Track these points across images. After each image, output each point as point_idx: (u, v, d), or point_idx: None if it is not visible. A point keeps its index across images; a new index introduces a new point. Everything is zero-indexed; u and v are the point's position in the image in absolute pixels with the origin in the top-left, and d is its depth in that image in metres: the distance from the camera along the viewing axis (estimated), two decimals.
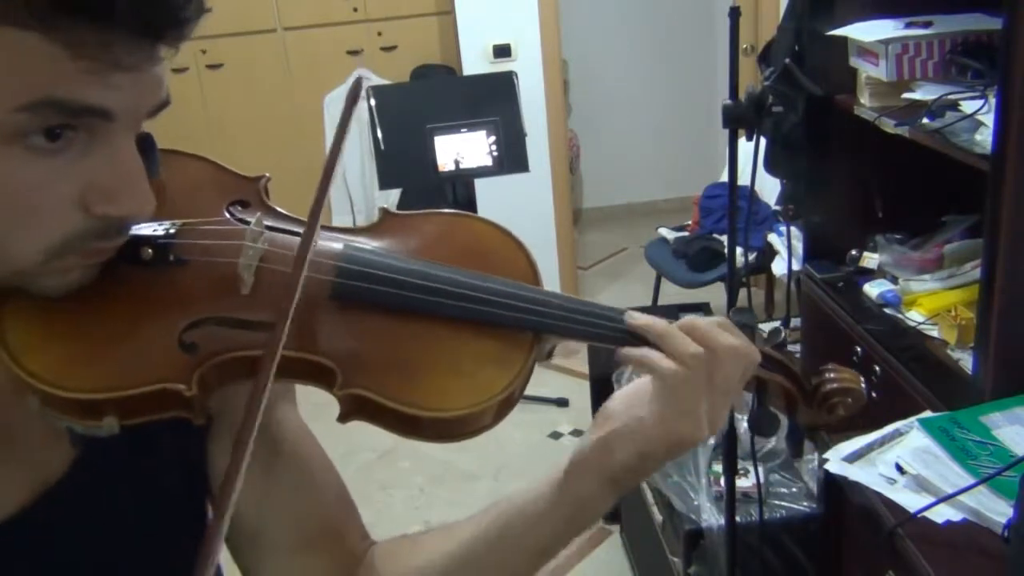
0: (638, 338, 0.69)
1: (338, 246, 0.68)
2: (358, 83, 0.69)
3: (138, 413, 0.60)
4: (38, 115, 0.52)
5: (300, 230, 0.67)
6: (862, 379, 0.76)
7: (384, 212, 0.74)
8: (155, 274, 0.64)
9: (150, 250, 0.63)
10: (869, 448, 1.53)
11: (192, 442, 0.73)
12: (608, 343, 0.70)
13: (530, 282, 0.70)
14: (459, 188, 3.88)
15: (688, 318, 0.69)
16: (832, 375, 0.75)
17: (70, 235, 0.57)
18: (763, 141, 2.11)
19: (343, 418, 0.64)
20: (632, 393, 0.72)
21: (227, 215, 0.69)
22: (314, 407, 0.84)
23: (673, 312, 3.13)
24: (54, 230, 0.56)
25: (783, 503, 2.07)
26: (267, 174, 0.73)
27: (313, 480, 0.81)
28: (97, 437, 0.60)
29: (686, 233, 3.96)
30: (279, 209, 0.71)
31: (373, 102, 3.38)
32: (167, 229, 0.65)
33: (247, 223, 0.67)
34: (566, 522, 0.72)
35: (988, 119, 1.65)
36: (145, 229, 0.64)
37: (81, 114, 0.54)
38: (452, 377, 0.65)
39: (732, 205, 1.74)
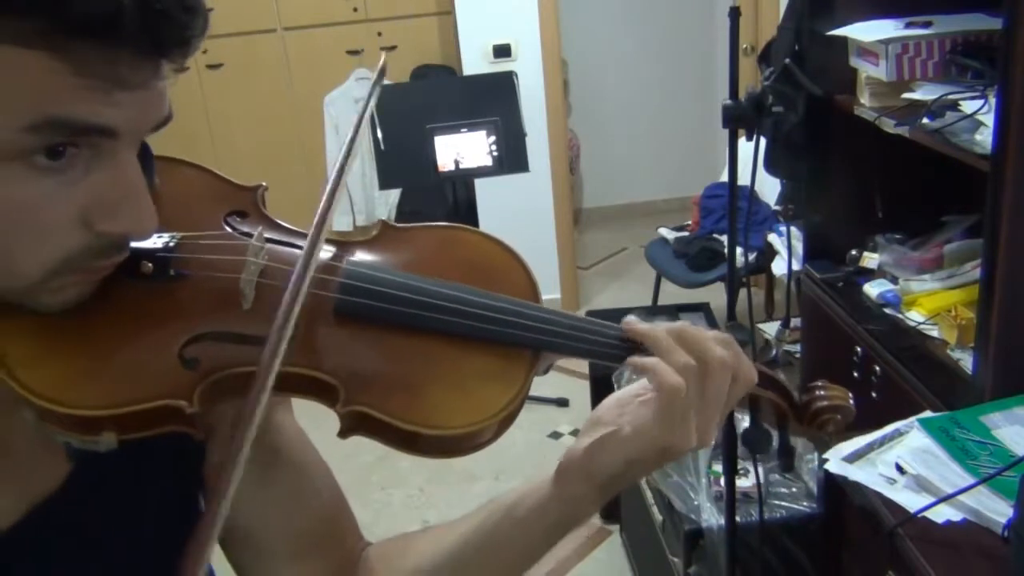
0: (634, 351, 0.69)
1: (340, 262, 0.68)
2: (382, 71, 0.69)
3: (137, 429, 0.59)
4: (41, 134, 0.52)
5: (300, 243, 0.66)
6: (851, 396, 0.76)
7: (383, 225, 0.73)
8: (155, 288, 0.63)
9: (150, 264, 0.63)
10: (869, 448, 1.54)
11: (191, 454, 0.72)
12: (607, 360, 0.70)
13: (529, 297, 0.70)
14: (459, 188, 3.88)
15: (679, 325, 0.69)
16: (822, 392, 0.76)
17: (72, 253, 0.56)
18: (763, 141, 2.11)
19: (343, 434, 0.64)
20: (623, 399, 0.72)
21: (226, 227, 0.68)
22: (314, 408, 0.84)
23: (673, 312, 3.13)
24: (56, 248, 0.56)
25: (783, 503, 2.07)
26: (264, 183, 0.72)
27: (310, 485, 0.81)
28: (94, 451, 0.59)
29: (686, 233, 3.96)
30: (277, 220, 0.70)
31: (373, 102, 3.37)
32: (167, 242, 0.64)
33: (247, 235, 0.66)
34: (553, 524, 0.72)
35: (988, 119, 1.65)
36: (145, 242, 0.63)
37: (84, 133, 0.53)
38: (453, 394, 0.65)
39: (732, 205, 1.74)
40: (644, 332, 0.68)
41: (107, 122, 0.53)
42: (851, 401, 0.76)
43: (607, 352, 0.69)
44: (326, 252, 0.68)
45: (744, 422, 0.78)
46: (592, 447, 0.69)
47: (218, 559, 0.81)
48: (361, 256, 0.70)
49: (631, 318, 0.70)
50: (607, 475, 0.69)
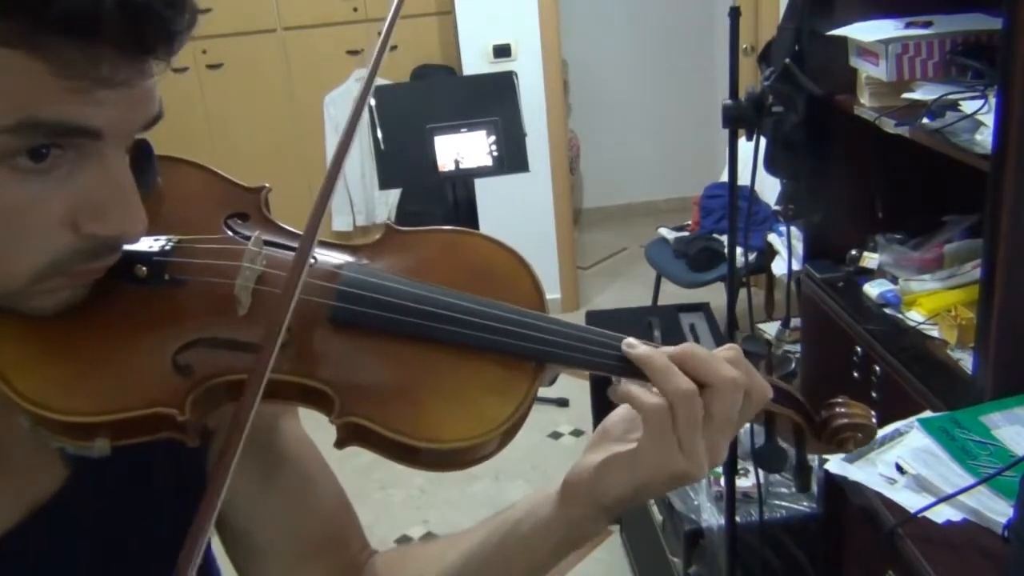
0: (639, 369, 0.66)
1: (339, 268, 0.66)
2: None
3: (130, 435, 0.58)
4: (22, 136, 0.50)
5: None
6: (873, 413, 0.74)
7: (387, 228, 0.71)
8: (150, 292, 0.61)
9: (144, 268, 0.61)
10: (869, 448, 1.53)
11: (189, 458, 0.71)
12: (613, 373, 0.67)
13: (534, 305, 0.67)
14: (459, 188, 3.88)
15: (686, 347, 0.65)
16: (843, 410, 0.73)
17: (59, 256, 0.55)
18: (763, 141, 2.11)
19: (339, 444, 0.62)
20: (630, 412, 0.70)
21: (226, 230, 0.67)
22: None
23: (673, 312, 3.12)
24: (43, 250, 0.55)
25: (783, 503, 2.07)
26: (267, 184, 0.70)
27: (315, 491, 0.81)
28: (89, 457, 0.58)
29: (686, 233, 3.96)
30: (279, 223, 0.69)
31: (373, 102, 3.38)
32: (163, 245, 0.63)
33: (246, 238, 0.65)
34: (559, 542, 0.71)
35: (988, 119, 1.65)
36: (141, 245, 0.61)
37: (67, 134, 0.52)
38: (454, 406, 0.63)
39: (732, 205, 1.74)
40: (639, 356, 0.65)
41: (90, 122, 0.52)
42: (873, 419, 0.73)
43: (613, 366, 0.67)
44: (326, 257, 0.67)
45: (758, 437, 0.74)
46: (598, 469, 0.68)
47: (223, 561, 0.82)
48: (362, 261, 0.68)
49: (631, 340, 0.67)
50: (613, 498, 0.67)
